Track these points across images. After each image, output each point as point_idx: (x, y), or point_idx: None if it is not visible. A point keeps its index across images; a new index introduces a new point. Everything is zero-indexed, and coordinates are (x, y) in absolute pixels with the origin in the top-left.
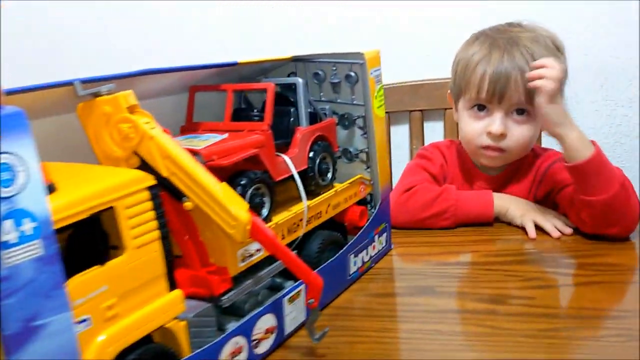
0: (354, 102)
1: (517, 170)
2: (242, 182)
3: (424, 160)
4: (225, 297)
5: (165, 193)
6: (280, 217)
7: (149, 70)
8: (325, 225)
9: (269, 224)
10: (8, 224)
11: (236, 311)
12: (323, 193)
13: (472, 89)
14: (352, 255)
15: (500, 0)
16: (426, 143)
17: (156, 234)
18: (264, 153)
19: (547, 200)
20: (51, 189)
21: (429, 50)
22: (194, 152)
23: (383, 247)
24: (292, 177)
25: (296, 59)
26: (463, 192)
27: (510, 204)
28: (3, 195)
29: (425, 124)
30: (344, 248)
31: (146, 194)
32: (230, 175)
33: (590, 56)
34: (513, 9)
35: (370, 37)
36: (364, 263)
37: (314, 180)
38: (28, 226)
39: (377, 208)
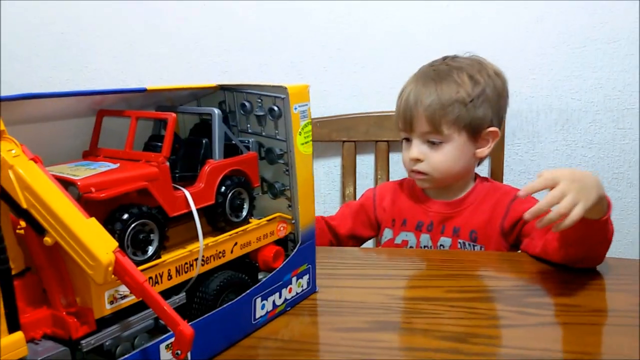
0: (277, 137)
1: (470, 196)
2: (123, 218)
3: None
4: (85, 341)
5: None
6: (169, 256)
7: (54, 93)
8: (234, 265)
9: (152, 263)
10: None
11: (107, 355)
12: None
13: (398, 122)
14: (259, 299)
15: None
16: (391, 174)
17: None
18: (156, 186)
19: (513, 230)
20: None
21: (396, 82)
22: (70, 183)
23: (304, 290)
24: (203, 211)
25: (223, 88)
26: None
27: None
28: None
29: (390, 155)
30: (248, 290)
31: None
32: (113, 209)
33: (553, 97)
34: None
35: (336, 66)
36: (276, 307)
37: (224, 217)
38: None
39: (296, 248)
